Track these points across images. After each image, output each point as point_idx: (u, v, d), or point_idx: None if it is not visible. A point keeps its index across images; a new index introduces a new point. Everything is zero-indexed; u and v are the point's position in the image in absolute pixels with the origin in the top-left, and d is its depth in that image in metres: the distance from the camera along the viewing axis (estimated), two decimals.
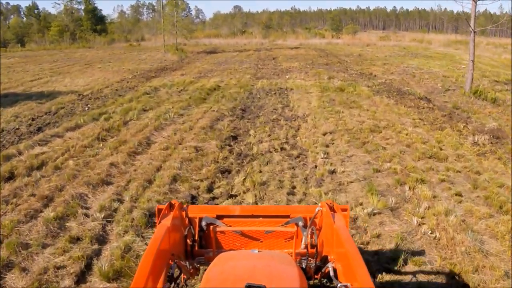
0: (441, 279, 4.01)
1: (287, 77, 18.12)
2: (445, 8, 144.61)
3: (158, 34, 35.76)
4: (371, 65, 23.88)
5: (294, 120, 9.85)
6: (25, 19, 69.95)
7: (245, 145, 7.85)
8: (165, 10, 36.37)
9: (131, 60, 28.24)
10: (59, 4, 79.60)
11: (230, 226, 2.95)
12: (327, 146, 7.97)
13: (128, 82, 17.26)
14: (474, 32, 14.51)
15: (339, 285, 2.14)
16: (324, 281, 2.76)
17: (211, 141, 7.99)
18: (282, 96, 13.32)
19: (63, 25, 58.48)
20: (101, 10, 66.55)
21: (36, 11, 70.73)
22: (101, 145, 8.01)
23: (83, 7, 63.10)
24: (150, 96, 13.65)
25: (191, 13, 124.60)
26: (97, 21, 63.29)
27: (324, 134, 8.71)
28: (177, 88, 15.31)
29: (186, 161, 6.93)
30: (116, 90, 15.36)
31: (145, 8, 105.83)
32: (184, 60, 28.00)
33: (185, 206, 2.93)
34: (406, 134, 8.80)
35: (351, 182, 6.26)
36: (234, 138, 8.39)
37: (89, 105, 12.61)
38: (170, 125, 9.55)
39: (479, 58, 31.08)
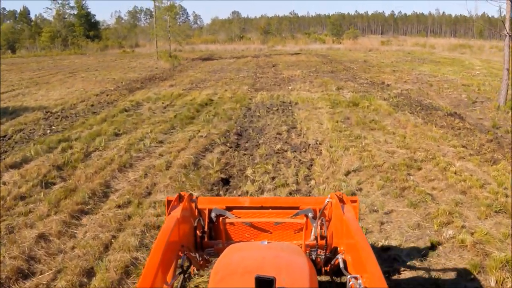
0: None
1: (290, 88, 15.92)
2: (443, 12, 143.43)
3: (153, 40, 33.52)
4: (380, 73, 21.73)
5: (305, 151, 7.62)
6: (16, 24, 67.74)
7: (239, 196, 5.61)
8: (158, 15, 34.20)
9: (119, 68, 26.09)
10: (51, 9, 77.46)
11: (239, 217, 2.93)
12: (353, 195, 5.74)
13: (108, 95, 15.04)
14: (510, 36, 12.34)
15: (348, 276, 2.06)
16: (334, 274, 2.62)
17: (193, 191, 5.75)
18: (286, 114, 11.11)
19: (55, 31, 56.38)
20: (94, 15, 64.61)
21: (32, 16, 68.53)
22: (42, 195, 5.78)
23: (76, 12, 61.14)
24: (128, 114, 11.43)
25: (189, 19, 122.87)
26: (90, 27, 61.25)
27: (347, 174, 6.48)
28: (162, 103, 13.09)
29: (151, 229, 4.69)
30: (92, 105, 13.14)
31: (142, 13, 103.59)
32: (176, 68, 25.81)
33: (194, 197, 2.86)
34: (455, 173, 6.58)
35: (403, 270, 4.02)
36: (225, 182, 6.15)
37: (53, 127, 10.41)
38: (143, 160, 7.32)
39: (490, 63, 29.07)
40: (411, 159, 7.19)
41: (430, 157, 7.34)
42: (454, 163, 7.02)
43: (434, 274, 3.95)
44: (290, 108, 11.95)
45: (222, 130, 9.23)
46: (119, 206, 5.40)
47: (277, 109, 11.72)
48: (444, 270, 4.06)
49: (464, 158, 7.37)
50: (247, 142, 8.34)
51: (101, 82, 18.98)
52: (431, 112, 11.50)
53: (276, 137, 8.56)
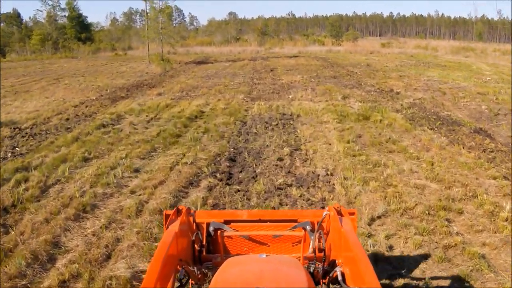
0: None
1: (290, 96, 14.42)
2: (443, 14, 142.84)
3: (145, 43, 31.92)
4: (386, 78, 20.28)
5: (313, 186, 6.11)
6: (8, 27, 65.92)
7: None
8: (150, 16, 32.64)
9: (107, 73, 24.54)
10: (41, 11, 75.70)
11: (237, 231, 2.91)
12: (386, 258, 4.24)
13: (87, 106, 13.50)
14: None
15: None
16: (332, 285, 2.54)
17: None
18: (288, 130, 9.61)
19: (46, 34, 54.73)
20: (86, 17, 62.85)
21: (26, 18, 66.78)
22: None
23: (67, 14, 59.49)
24: (105, 131, 9.90)
25: (185, 20, 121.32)
26: (82, 29, 59.60)
27: (371, 223, 4.99)
28: (146, 116, 11.57)
29: None
30: (67, 119, 11.60)
31: (138, 15, 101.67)
32: (167, 72, 24.27)
33: (192, 211, 2.88)
34: (506, 220, 5.10)
35: None
36: None
37: (17, 148, 8.90)
38: (109, 199, 5.80)
39: (498, 67, 27.70)
40: (448, 198, 5.71)
41: (470, 194, 5.86)
42: (502, 204, 5.53)
43: None
44: (291, 122, 10.45)
45: (211, 154, 7.71)
46: (63, 282, 3.88)
47: (277, 124, 10.22)
48: None
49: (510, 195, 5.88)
50: (241, 171, 6.83)
51: (84, 90, 17.43)
52: (454, 128, 10.02)
53: (277, 165, 7.04)
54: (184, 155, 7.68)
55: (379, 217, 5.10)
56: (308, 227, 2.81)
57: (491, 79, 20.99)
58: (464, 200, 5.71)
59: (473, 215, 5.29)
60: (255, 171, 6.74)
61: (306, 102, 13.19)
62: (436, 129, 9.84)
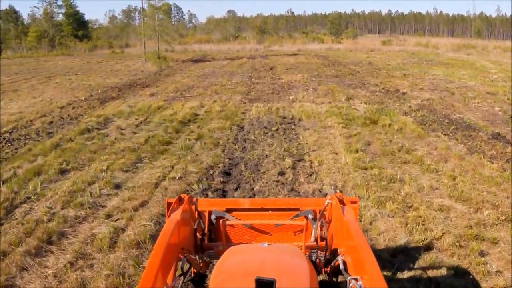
0: None
1: (290, 98, 13.56)
2: (441, 11, 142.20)
3: (146, 40, 30.96)
4: (390, 77, 19.43)
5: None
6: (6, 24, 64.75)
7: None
8: (146, 12, 31.67)
9: (101, 72, 23.65)
10: (38, 8, 74.62)
11: (239, 219, 2.89)
12: None
13: (74, 108, 12.63)
14: None
15: (348, 278, 2.06)
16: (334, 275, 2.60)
17: None
18: (289, 137, 8.75)
19: (42, 31, 53.72)
20: (83, 14, 61.89)
21: (25, 16, 65.75)
22: None
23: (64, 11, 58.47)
24: (88, 137, 9.04)
25: (184, 18, 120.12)
26: (79, 26, 58.62)
27: (392, 259, 4.13)
28: (136, 119, 10.71)
29: None
30: (50, 122, 10.74)
31: (137, 13, 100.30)
32: (163, 71, 23.36)
33: (194, 200, 2.83)
34: None
35: None
36: (198, 283, 3.76)
37: None
38: (81, 225, 4.94)
39: (502, 65, 26.86)
40: (478, 223, 4.86)
41: (503, 218, 5.02)
42: None
43: None
44: (293, 127, 9.60)
45: (203, 166, 6.84)
46: None
47: (277, 129, 9.36)
48: None
49: None
50: (237, 188, 5.96)
51: (74, 90, 16.54)
52: (469, 133, 9.17)
53: (278, 180, 6.17)
54: (172, 167, 6.81)
55: (401, 251, 4.25)
56: (310, 216, 2.79)
57: (497, 77, 20.18)
58: (496, 225, 4.86)
59: (509, 244, 4.45)
60: (252, 189, 5.88)
61: (308, 104, 12.33)
62: (450, 134, 9.00)
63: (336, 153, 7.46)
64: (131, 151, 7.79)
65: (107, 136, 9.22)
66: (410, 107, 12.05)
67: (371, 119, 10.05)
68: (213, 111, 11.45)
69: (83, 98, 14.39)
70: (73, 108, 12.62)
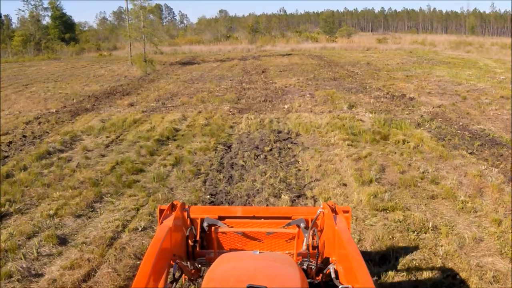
0: None
1: (286, 106, 12.08)
2: (434, 8, 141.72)
3: (133, 42, 29.31)
4: (392, 79, 18.01)
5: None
6: None
7: None
8: (131, 13, 30.03)
9: (84, 77, 22.05)
10: (23, 11, 72.59)
11: (231, 227, 2.87)
12: None
13: (41, 123, 11.04)
14: None
15: (340, 286, 2.07)
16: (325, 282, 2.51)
17: None
18: (286, 160, 7.27)
19: (28, 34, 51.87)
20: (70, 16, 60.09)
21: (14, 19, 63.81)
22: None
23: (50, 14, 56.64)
24: (47, 163, 7.49)
25: (175, 18, 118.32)
26: (66, 29, 56.87)
27: None
28: (106, 137, 9.19)
29: None
30: (10, 143, 9.18)
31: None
32: (148, 76, 21.79)
33: (186, 206, 2.84)
34: None
35: None
36: None
37: None
38: None
39: (505, 63, 25.55)
40: None
41: None
42: None
43: None
44: (289, 146, 8.12)
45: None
46: None
47: (271, 150, 7.88)
48: None
49: None
50: None
51: (47, 100, 14.92)
52: (498, 150, 7.75)
53: None
54: (138, 210, 5.31)
55: None
56: (302, 224, 2.77)
57: (505, 77, 18.87)
58: None
59: None
60: None
61: (305, 115, 10.86)
62: (477, 153, 7.58)
63: (345, 185, 5.99)
64: (92, 185, 6.26)
65: (69, 161, 7.70)
66: (421, 116, 10.62)
67: (381, 134, 8.60)
68: (196, 125, 9.94)
69: (54, 111, 12.81)
70: (40, 123, 11.05)
